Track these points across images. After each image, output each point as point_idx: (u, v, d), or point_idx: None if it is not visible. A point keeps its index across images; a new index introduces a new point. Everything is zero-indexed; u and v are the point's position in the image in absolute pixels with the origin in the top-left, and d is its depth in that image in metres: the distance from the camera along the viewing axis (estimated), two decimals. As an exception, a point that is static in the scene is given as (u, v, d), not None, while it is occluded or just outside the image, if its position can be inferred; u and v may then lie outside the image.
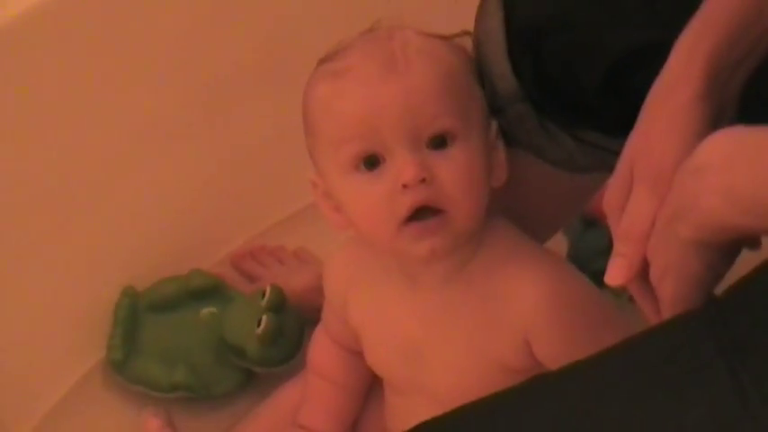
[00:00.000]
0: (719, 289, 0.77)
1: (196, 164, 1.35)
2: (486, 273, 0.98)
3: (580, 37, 0.94)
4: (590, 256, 1.27)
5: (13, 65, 1.18)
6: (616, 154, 0.96)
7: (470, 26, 1.01)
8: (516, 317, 0.97)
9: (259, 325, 1.22)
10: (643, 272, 0.79)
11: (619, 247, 0.80)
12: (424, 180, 0.92)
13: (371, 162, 0.94)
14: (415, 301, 1.01)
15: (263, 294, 1.24)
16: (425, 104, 0.93)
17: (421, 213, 0.94)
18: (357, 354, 1.11)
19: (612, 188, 0.82)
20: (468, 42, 1.00)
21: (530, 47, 0.97)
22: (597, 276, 1.21)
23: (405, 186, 0.92)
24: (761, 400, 0.67)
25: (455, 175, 0.94)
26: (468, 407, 0.79)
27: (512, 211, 1.02)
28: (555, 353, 0.97)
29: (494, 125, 0.98)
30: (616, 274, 0.80)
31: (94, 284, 1.29)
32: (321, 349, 1.14)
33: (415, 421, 1.02)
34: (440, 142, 0.94)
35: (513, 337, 0.97)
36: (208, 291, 1.31)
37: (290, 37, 1.33)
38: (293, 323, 1.26)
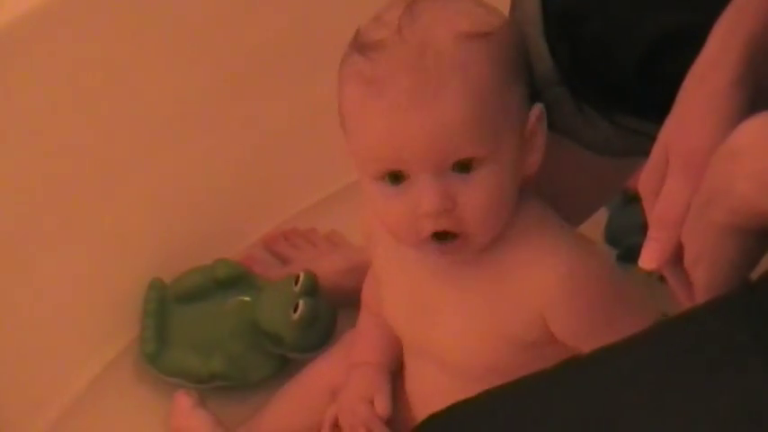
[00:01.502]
0: (754, 275, 0.76)
1: (223, 151, 1.35)
2: (510, 247, 0.98)
3: (615, 20, 0.94)
4: (626, 230, 1.28)
5: (42, 54, 1.18)
6: (652, 138, 0.96)
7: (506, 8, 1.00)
8: (534, 292, 0.97)
9: (295, 311, 1.22)
10: (677, 256, 0.79)
11: (653, 231, 0.80)
12: (445, 210, 0.93)
13: (395, 177, 0.94)
14: (436, 263, 1.01)
15: (296, 280, 1.24)
16: (453, 137, 0.92)
17: (441, 235, 0.95)
18: None
19: (647, 172, 0.82)
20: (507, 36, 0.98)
21: (566, 30, 0.96)
22: (630, 251, 1.23)
23: (426, 214, 0.93)
24: None
25: (477, 201, 0.94)
26: (498, 389, 0.79)
27: (547, 194, 1.02)
28: (570, 330, 0.98)
29: (536, 109, 0.97)
30: (650, 257, 0.80)
31: (120, 275, 1.30)
32: (372, 286, 1.14)
33: (425, 386, 1.05)
34: (464, 166, 0.94)
35: (529, 312, 0.98)
36: (234, 280, 1.31)
37: (319, 15, 1.33)
38: (326, 308, 1.26)
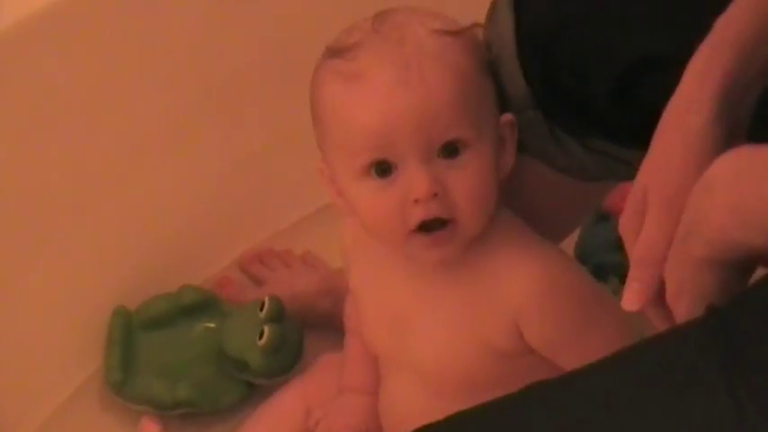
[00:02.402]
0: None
1: (197, 174, 1.35)
2: (483, 254, 0.98)
3: (590, 43, 0.94)
4: (596, 248, 1.29)
5: (15, 69, 1.17)
6: (624, 163, 0.97)
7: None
8: (507, 299, 0.97)
9: (261, 337, 1.22)
10: (659, 294, 0.79)
11: (634, 271, 0.80)
12: (435, 195, 0.93)
13: (383, 169, 0.94)
14: (408, 273, 1.01)
15: (262, 306, 1.24)
16: (439, 117, 0.93)
17: (430, 223, 0.94)
18: None
19: (627, 214, 0.82)
20: (479, 34, 0.99)
21: (540, 51, 0.96)
22: (599, 269, 1.24)
23: (416, 201, 0.93)
24: (759, 413, 0.67)
25: (466, 185, 0.94)
26: (466, 411, 0.79)
27: (520, 216, 1.02)
28: (545, 338, 0.98)
29: (505, 117, 0.98)
30: (633, 299, 0.80)
31: (85, 302, 1.28)
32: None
33: (402, 404, 1.05)
34: (451, 150, 0.94)
35: (503, 319, 0.98)
36: (200, 306, 1.31)
37: (297, 39, 1.31)
38: (293, 333, 1.26)
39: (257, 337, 1.22)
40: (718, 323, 0.71)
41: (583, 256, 1.30)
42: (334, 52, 0.96)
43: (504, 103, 0.99)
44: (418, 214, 0.94)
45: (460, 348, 1.01)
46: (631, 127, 0.86)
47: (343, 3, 1.13)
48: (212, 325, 1.30)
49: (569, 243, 1.24)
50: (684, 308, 0.76)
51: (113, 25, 1.23)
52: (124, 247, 1.31)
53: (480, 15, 1.00)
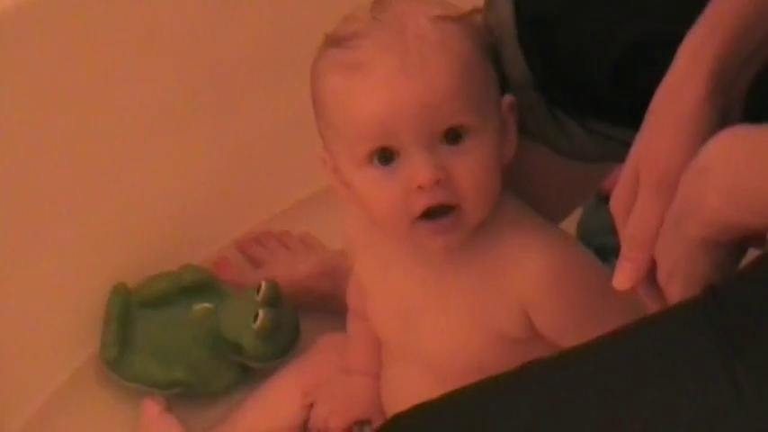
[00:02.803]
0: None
1: (197, 155, 1.35)
2: (491, 242, 0.98)
3: (589, 27, 0.94)
4: (597, 230, 1.29)
5: (12, 56, 1.17)
6: (625, 144, 0.96)
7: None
8: (516, 286, 0.97)
9: (256, 320, 1.22)
10: (650, 273, 0.79)
11: (625, 250, 0.81)
12: (439, 181, 0.92)
13: (386, 157, 0.94)
14: (415, 262, 1.01)
15: (258, 289, 1.24)
16: (442, 104, 0.92)
17: (435, 210, 0.94)
18: None
19: (619, 192, 0.82)
20: (478, 20, 0.99)
21: (539, 35, 0.96)
22: (600, 251, 1.24)
23: (420, 188, 0.92)
24: (755, 392, 0.68)
25: (470, 171, 0.94)
26: (463, 388, 0.80)
27: (521, 197, 1.02)
28: (554, 325, 0.98)
29: (507, 98, 0.98)
30: (624, 277, 0.80)
31: (85, 280, 1.28)
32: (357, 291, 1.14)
33: (407, 392, 1.04)
34: (454, 136, 0.93)
35: (512, 307, 0.98)
36: (200, 286, 1.30)
37: (299, 26, 1.32)
38: (289, 317, 1.26)
39: (252, 320, 1.22)
40: (715, 304, 0.72)
41: (584, 237, 1.30)
42: (334, 41, 0.96)
43: (505, 86, 0.99)
44: (422, 201, 0.93)
45: (470, 336, 1.01)
46: (631, 109, 0.86)
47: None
48: (211, 306, 1.29)
49: (571, 224, 1.24)
50: (676, 288, 0.77)
51: (117, 14, 1.23)
52: (123, 228, 1.31)
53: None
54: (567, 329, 0.97)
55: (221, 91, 1.34)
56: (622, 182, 0.82)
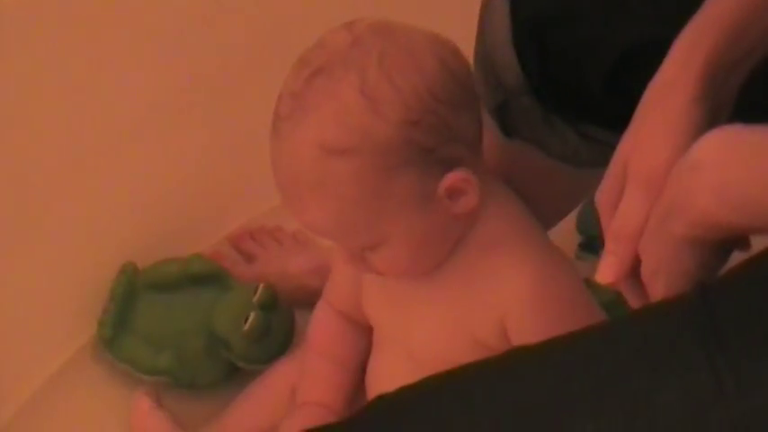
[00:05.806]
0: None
1: (200, 144, 1.35)
2: (479, 249, 0.99)
3: (584, 31, 0.94)
4: (596, 220, 1.28)
5: (12, 46, 1.17)
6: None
7: (475, 16, 1.01)
8: (496, 298, 0.99)
9: (246, 321, 1.21)
10: (634, 270, 0.79)
11: (610, 245, 0.80)
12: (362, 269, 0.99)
13: None
14: None
15: (256, 290, 1.24)
16: (332, 236, 0.98)
17: None
18: (356, 326, 1.13)
19: (605, 187, 0.82)
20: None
21: (534, 39, 0.96)
22: (593, 241, 1.26)
23: None
24: (736, 386, 0.68)
25: (389, 265, 0.98)
26: (446, 372, 0.80)
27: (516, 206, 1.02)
28: (528, 340, 0.97)
29: (446, 180, 0.94)
30: (607, 272, 0.80)
31: (93, 261, 1.29)
32: (322, 325, 1.15)
33: (390, 378, 1.02)
34: (370, 248, 0.97)
35: (490, 316, 0.99)
36: (207, 277, 1.30)
37: (295, 20, 1.32)
38: (283, 323, 1.25)
39: (243, 321, 1.22)
40: (703, 301, 0.72)
41: (582, 226, 1.30)
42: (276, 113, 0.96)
43: (497, 92, 0.99)
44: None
45: (450, 337, 1.02)
46: (626, 114, 0.86)
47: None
48: (215, 297, 1.29)
49: (570, 219, 1.24)
50: (661, 285, 0.77)
51: (108, 6, 1.24)
52: (116, 221, 1.31)
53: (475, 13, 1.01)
54: None
55: (215, 86, 1.34)
56: (609, 177, 0.82)
